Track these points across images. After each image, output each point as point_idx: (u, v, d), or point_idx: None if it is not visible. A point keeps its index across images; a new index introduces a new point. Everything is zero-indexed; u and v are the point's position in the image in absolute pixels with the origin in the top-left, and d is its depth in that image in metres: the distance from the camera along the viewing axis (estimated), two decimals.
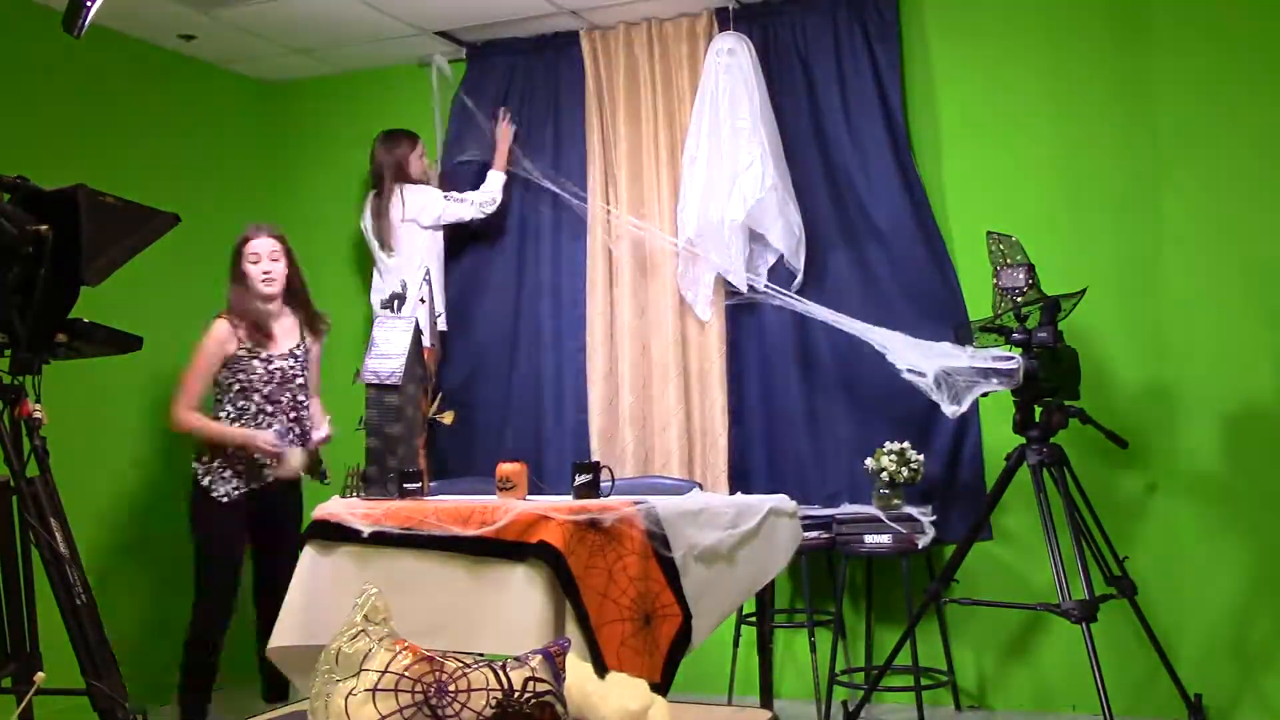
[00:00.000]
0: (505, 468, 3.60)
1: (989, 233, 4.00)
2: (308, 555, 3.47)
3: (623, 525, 3.26)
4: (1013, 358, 3.87)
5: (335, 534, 3.39)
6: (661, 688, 3.24)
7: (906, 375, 4.13)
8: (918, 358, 4.12)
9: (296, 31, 5.19)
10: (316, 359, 4.50)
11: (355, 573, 3.39)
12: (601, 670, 3.08)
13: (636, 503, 3.29)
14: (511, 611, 3.14)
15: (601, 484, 3.47)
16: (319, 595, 3.36)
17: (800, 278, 4.80)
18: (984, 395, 4.02)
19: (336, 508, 3.45)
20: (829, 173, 4.86)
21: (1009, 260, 3.92)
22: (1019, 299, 3.87)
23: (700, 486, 4.07)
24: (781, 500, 3.76)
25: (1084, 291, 3.94)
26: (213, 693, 4.46)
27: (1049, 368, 3.89)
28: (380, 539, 3.35)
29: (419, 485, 3.62)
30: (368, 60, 5.61)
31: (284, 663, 3.47)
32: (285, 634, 3.38)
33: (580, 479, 3.49)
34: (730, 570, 3.52)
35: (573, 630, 3.09)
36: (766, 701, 3.95)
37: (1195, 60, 4.43)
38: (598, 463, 3.59)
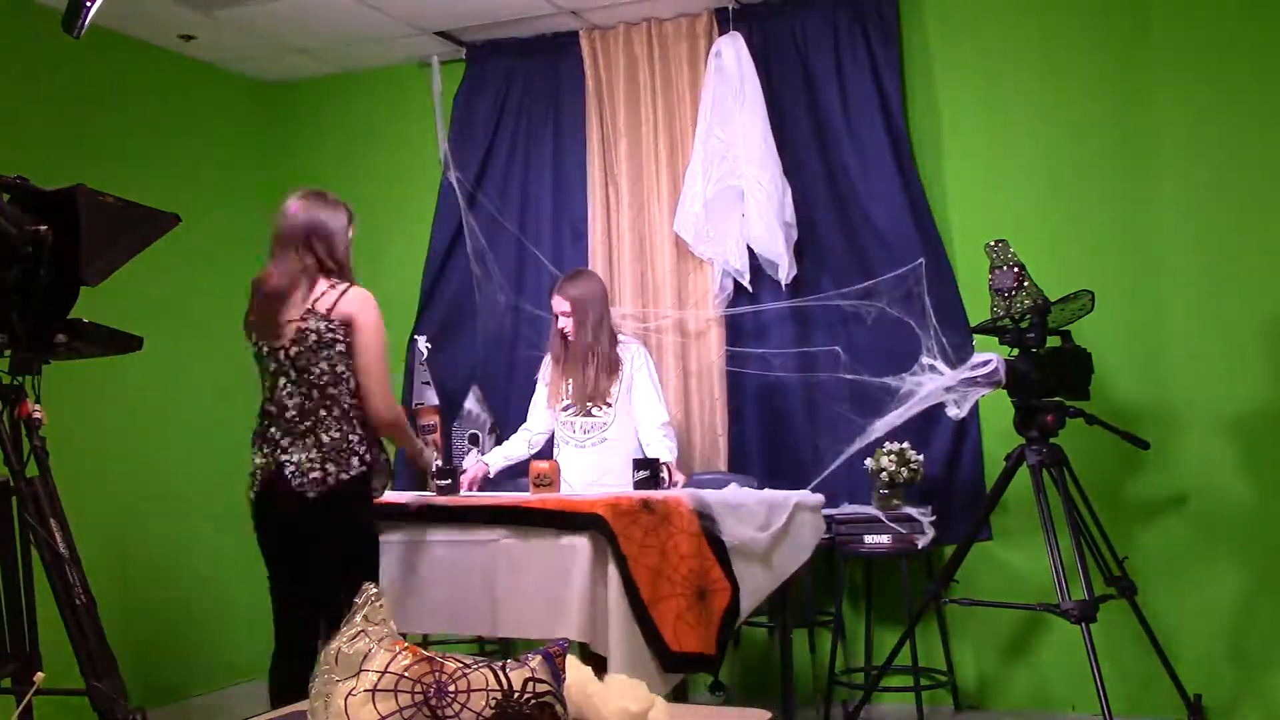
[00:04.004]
0: (539, 464, 3.72)
1: (986, 244, 4.01)
2: None
3: (672, 505, 3.47)
4: (990, 360, 3.87)
5: (381, 514, 3.50)
6: (715, 660, 3.49)
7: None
8: (923, 394, 4.12)
9: (296, 31, 5.19)
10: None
11: (399, 560, 3.47)
12: (659, 642, 3.22)
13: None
14: (552, 588, 3.21)
15: (661, 480, 3.67)
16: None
17: (793, 278, 4.81)
18: (983, 396, 4.02)
19: (386, 495, 3.63)
20: (828, 173, 4.86)
21: (1000, 262, 3.92)
22: (1008, 298, 3.87)
23: (736, 482, 4.17)
24: (805, 495, 4.01)
25: (1082, 294, 3.93)
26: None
27: (1044, 368, 3.89)
28: (428, 515, 3.46)
29: (450, 482, 3.74)
30: (368, 60, 5.61)
31: None
32: None
33: (640, 474, 3.66)
34: (765, 569, 3.75)
35: (617, 599, 3.15)
36: (787, 701, 4.03)
37: (1195, 63, 4.43)
38: (656, 459, 3.74)
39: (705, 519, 3.56)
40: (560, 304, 4.39)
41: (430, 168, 5.46)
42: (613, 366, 4.39)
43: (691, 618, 3.38)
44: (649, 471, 3.75)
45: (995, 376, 3.86)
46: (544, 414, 4.54)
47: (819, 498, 4.15)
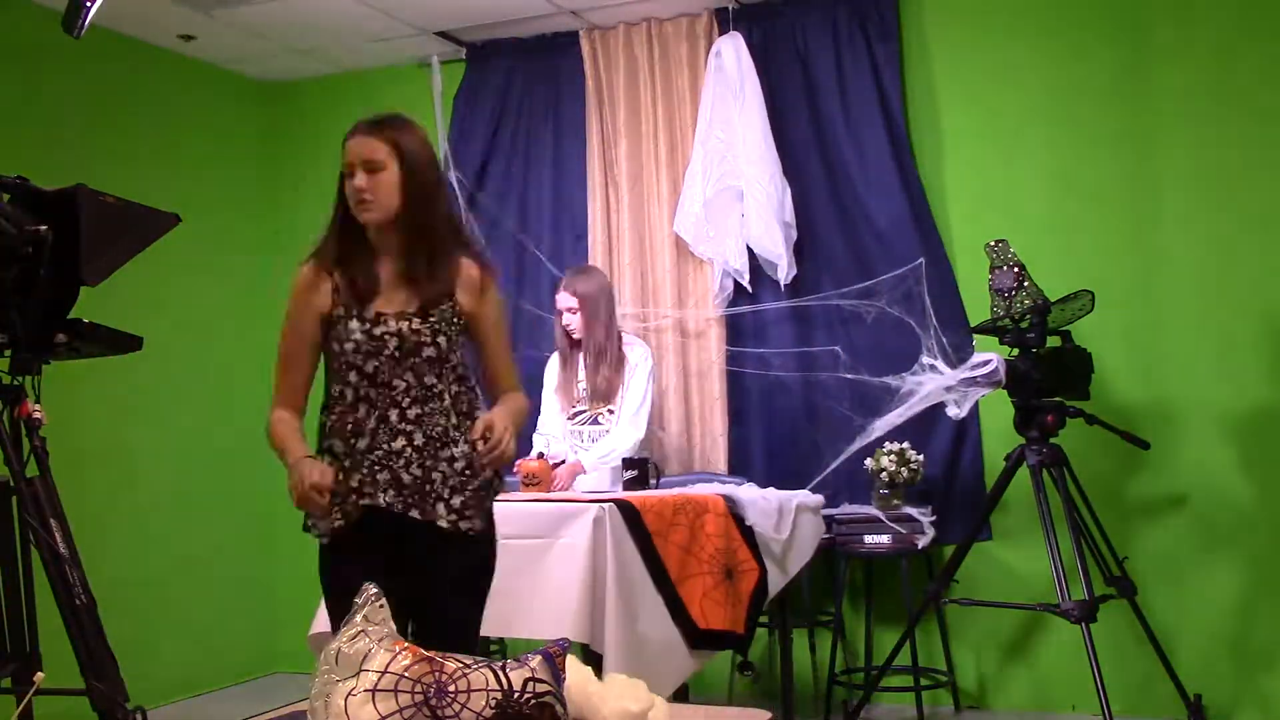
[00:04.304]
0: (528, 464, 3.69)
1: (986, 244, 4.01)
2: None
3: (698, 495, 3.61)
4: (989, 360, 3.87)
5: None
6: (745, 638, 3.61)
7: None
8: (924, 394, 4.14)
9: (296, 31, 5.19)
10: None
11: None
12: (685, 619, 3.29)
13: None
14: (552, 588, 3.23)
15: (650, 480, 3.66)
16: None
17: (792, 278, 4.81)
18: (983, 396, 4.03)
19: None
20: (828, 173, 4.86)
21: (1000, 262, 3.93)
22: (1008, 298, 3.88)
23: (744, 482, 4.21)
24: (805, 496, 4.08)
25: (1082, 294, 3.93)
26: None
27: (1045, 368, 3.89)
28: None
29: None
30: (368, 60, 5.61)
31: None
32: (327, 620, 3.48)
33: (628, 474, 3.65)
34: (779, 570, 3.86)
35: (613, 599, 3.20)
36: (786, 701, 4.06)
37: (1195, 63, 4.43)
38: (646, 459, 3.74)
39: (731, 501, 3.67)
40: (567, 300, 4.27)
41: None
42: (620, 364, 4.27)
43: (719, 595, 3.45)
44: (637, 471, 3.74)
45: (995, 376, 3.86)
46: (557, 419, 4.39)
47: (819, 498, 4.20)
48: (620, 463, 3.97)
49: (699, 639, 3.38)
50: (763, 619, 4.47)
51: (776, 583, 3.83)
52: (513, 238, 5.31)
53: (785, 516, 3.88)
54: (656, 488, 3.81)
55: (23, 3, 4.66)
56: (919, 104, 4.81)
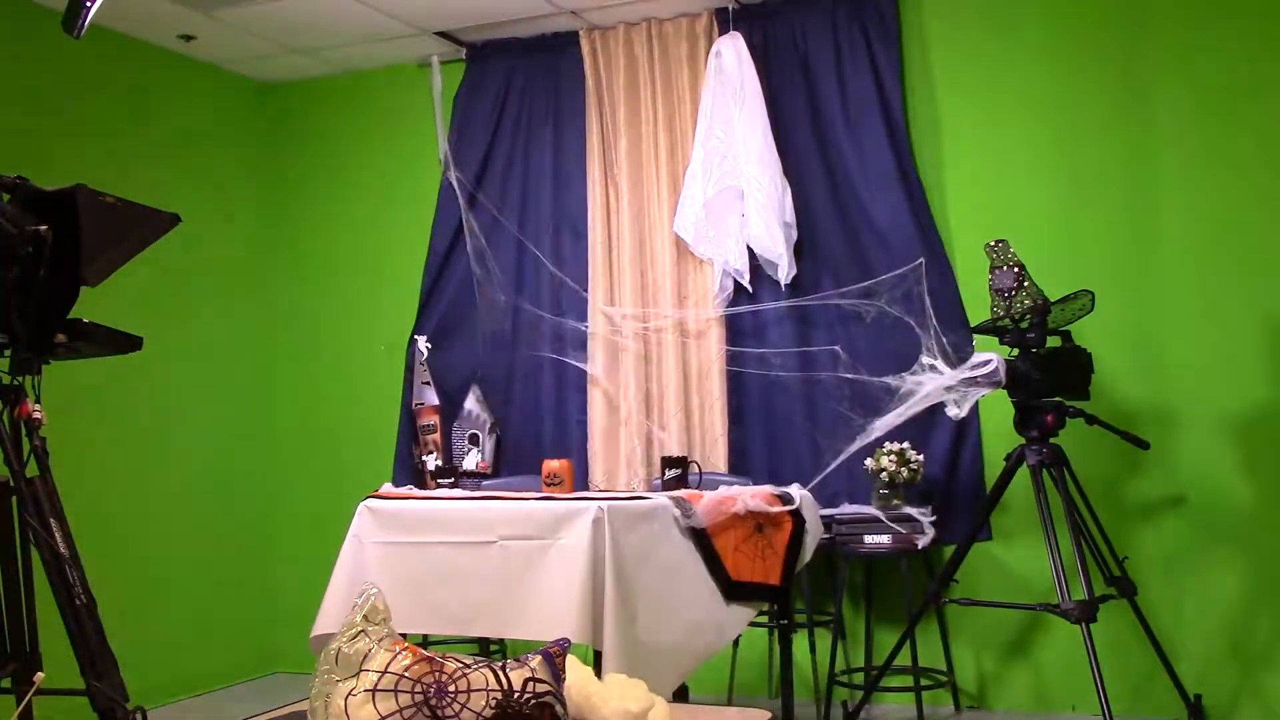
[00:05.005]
0: (550, 463, 3.73)
1: (986, 244, 4.01)
2: (351, 543, 3.57)
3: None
4: (989, 360, 3.87)
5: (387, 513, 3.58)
6: (782, 590, 3.74)
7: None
8: (924, 394, 4.14)
9: (296, 31, 5.19)
10: None
11: (399, 561, 3.50)
12: (720, 570, 3.37)
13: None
14: (552, 588, 3.24)
15: (690, 478, 3.73)
16: (363, 584, 3.46)
17: (792, 278, 4.81)
18: (983, 396, 4.03)
19: (390, 488, 3.68)
20: (828, 173, 4.86)
21: (1000, 262, 3.93)
22: (1008, 298, 3.88)
23: (746, 482, 4.23)
24: (805, 494, 4.05)
25: (1082, 294, 3.93)
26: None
27: (1044, 368, 3.89)
28: (428, 514, 3.57)
29: (451, 480, 3.78)
30: (368, 60, 5.61)
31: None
32: (328, 622, 3.48)
33: (670, 473, 3.72)
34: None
35: (612, 598, 3.22)
36: (787, 700, 4.07)
37: (1195, 63, 4.43)
38: (685, 457, 3.81)
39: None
40: None
41: (430, 168, 5.46)
42: None
43: (749, 549, 3.54)
44: (679, 470, 3.80)
45: (995, 376, 3.87)
46: None
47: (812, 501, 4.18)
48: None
49: (733, 590, 3.48)
50: (761, 618, 4.48)
51: (813, 537, 3.91)
52: (513, 238, 5.31)
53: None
54: (698, 486, 3.85)
55: (23, 3, 4.66)
56: (919, 104, 4.81)
